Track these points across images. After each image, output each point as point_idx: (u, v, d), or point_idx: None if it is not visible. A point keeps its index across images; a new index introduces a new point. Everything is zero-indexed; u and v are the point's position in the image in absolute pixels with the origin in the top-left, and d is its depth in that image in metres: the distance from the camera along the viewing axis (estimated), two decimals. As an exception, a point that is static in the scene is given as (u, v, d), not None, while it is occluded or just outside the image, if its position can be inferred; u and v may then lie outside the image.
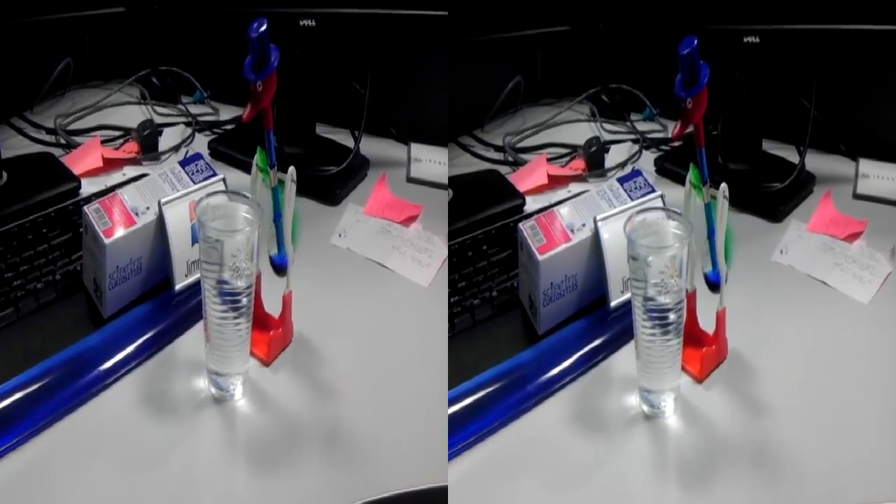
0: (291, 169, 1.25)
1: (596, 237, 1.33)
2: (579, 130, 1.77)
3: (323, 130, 1.69)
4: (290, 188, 1.25)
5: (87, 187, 1.53)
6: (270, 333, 1.29)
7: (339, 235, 1.50)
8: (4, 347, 1.27)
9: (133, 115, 1.73)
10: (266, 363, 1.28)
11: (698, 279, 1.27)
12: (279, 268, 1.29)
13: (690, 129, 1.20)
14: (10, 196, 1.48)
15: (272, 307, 1.30)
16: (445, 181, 1.58)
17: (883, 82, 1.65)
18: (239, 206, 1.20)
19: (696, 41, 1.15)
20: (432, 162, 1.63)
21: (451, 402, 1.24)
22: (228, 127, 1.73)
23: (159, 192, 1.33)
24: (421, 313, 1.37)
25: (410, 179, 1.63)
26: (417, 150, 1.63)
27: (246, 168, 1.29)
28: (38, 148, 1.64)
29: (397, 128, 1.71)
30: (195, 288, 1.33)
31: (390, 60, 1.68)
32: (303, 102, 1.63)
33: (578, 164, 1.67)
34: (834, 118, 1.66)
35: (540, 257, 1.30)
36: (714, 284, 1.27)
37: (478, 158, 1.71)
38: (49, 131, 1.68)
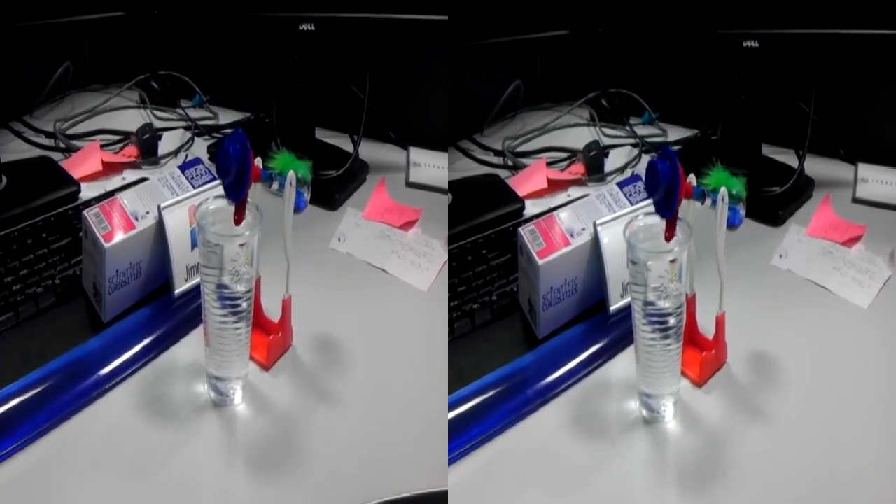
0: (291, 173, 1.24)
1: (595, 241, 1.33)
2: (579, 134, 1.77)
3: (322, 135, 1.69)
4: (290, 193, 1.25)
5: (87, 191, 1.53)
6: (270, 338, 1.29)
7: (339, 240, 1.50)
8: (4, 352, 1.26)
9: (132, 119, 1.73)
10: (265, 367, 1.28)
11: (698, 282, 1.27)
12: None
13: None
14: (10, 200, 1.48)
15: (272, 311, 1.30)
16: (445, 185, 1.58)
17: (882, 87, 1.65)
18: (239, 211, 1.20)
19: (668, 166, 1.15)
20: (431, 166, 1.63)
21: (451, 406, 1.24)
22: (228, 131, 1.73)
23: (159, 197, 1.33)
24: (420, 317, 1.37)
25: (409, 184, 1.63)
26: (416, 154, 1.63)
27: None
28: (38, 152, 1.64)
29: (396, 132, 1.71)
30: (195, 292, 1.33)
31: (389, 65, 1.68)
32: (302, 107, 1.63)
33: (578, 169, 1.67)
34: (833, 122, 1.66)
35: (539, 261, 1.30)
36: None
37: (477, 162, 1.71)
38: (48, 135, 1.68)
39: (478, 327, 1.36)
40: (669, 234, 1.18)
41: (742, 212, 1.23)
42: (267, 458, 1.19)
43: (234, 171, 1.17)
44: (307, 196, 1.26)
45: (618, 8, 1.59)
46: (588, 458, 1.20)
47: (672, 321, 1.18)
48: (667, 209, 1.16)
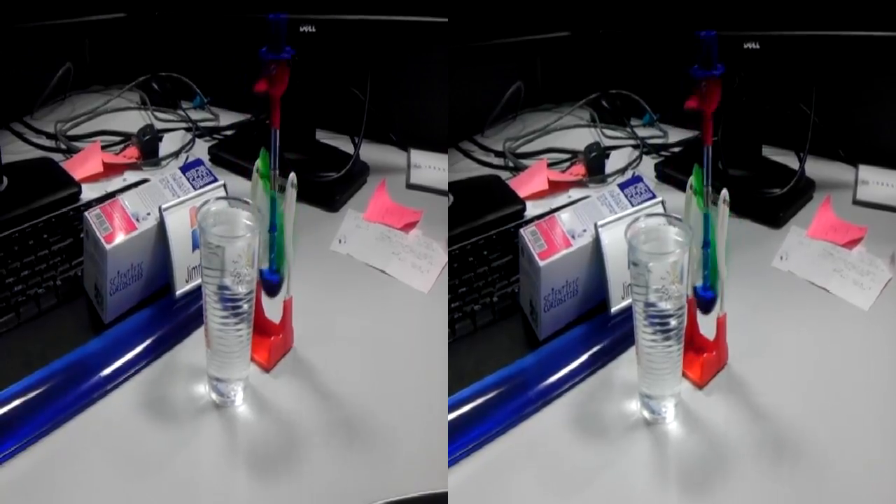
0: (292, 175, 1.25)
1: (597, 243, 1.33)
2: (579, 136, 1.77)
3: (323, 136, 1.69)
4: (291, 194, 1.25)
5: (88, 193, 1.53)
6: (271, 339, 1.29)
7: (339, 241, 1.50)
8: (5, 353, 1.27)
9: (133, 120, 1.73)
10: (266, 369, 1.28)
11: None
12: (269, 285, 1.28)
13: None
14: (11, 201, 1.48)
15: (273, 313, 1.30)
16: (445, 187, 1.58)
17: (882, 88, 1.65)
18: (240, 212, 1.20)
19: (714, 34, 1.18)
20: (432, 168, 1.63)
21: (452, 407, 1.24)
22: (229, 133, 1.73)
23: (160, 198, 1.33)
24: (421, 319, 1.37)
25: (410, 185, 1.63)
26: (417, 156, 1.64)
27: (246, 174, 1.29)
28: (39, 153, 1.64)
29: (397, 134, 1.71)
30: (196, 294, 1.33)
31: (390, 66, 1.68)
32: (303, 108, 1.63)
33: (579, 170, 1.67)
34: (834, 124, 1.66)
35: (541, 263, 1.30)
36: (704, 302, 1.26)
37: (478, 163, 1.71)
38: (49, 136, 1.68)
39: (479, 328, 1.36)
40: (695, 100, 1.21)
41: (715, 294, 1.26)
42: (268, 459, 1.19)
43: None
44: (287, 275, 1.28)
45: (618, 9, 1.59)
46: (589, 459, 1.20)
47: (673, 322, 1.18)
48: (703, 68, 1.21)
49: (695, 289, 1.25)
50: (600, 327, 1.35)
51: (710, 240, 1.24)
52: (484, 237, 1.49)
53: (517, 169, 1.69)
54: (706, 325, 1.28)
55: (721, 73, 1.21)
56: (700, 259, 1.25)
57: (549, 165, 1.67)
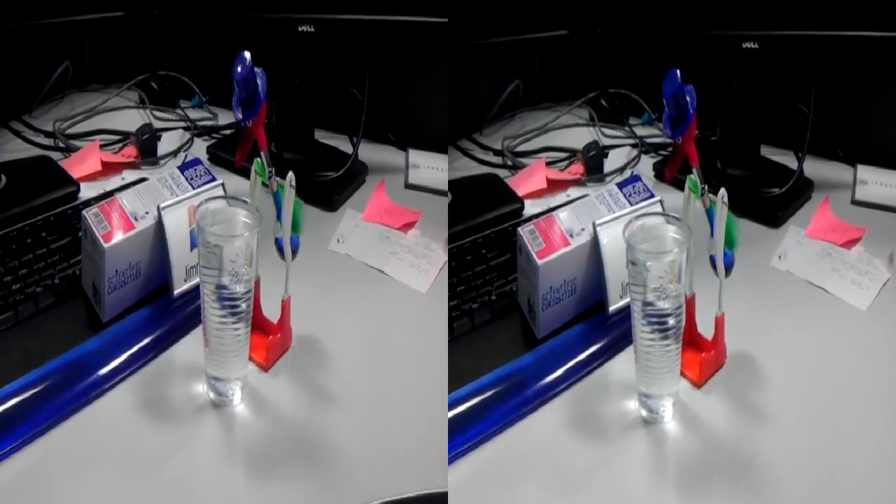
0: (290, 174, 1.25)
1: (595, 242, 1.33)
2: (578, 135, 1.77)
3: (321, 136, 1.68)
4: (289, 194, 1.25)
5: (86, 191, 1.53)
6: (269, 338, 1.29)
7: (338, 241, 1.50)
8: (3, 351, 1.26)
9: (132, 119, 1.73)
10: (265, 368, 1.28)
11: (698, 283, 1.27)
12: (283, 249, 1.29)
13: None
14: (9, 200, 1.48)
15: (271, 312, 1.30)
16: (444, 187, 1.58)
17: (881, 88, 1.65)
18: (238, 211, 1.20)
19: (678, 75, 1.16)
20: (430, 168, 1.63)
21: (451, 406, 1.24)
22: (227, 132, 1.73)
23: (158, 197, 1.33)
24: (420, 318, 1.37)
25: (409, 185, 1.63)
26: (416, 156, 1.63)
27: (245, 173, 1.29)
28: (37, 151, 1.64)
29: (396, 134, 1.71)
30: (194, 293, 1.33)
31: (389, 66, 1.68)
32: (301, 108, 1.63)
33: (577, 169, 1.67)
34: (832, 124, 1.66)
35: (539, 262, 1.30)
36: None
37: (476, 162, 1.71)
38: (48, 135, 1.68)
39: (477, 327, 1.36)
40: (671, 166, 1.18)
41: (732, 256, 1.25)
42: (266, 458, 1.19)
43: (242, 89, 1.19)
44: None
45: (617, 8, 1.59)
46: (587, 458, 1.20)
47: (671, 322, 1.18)
48: (674, 128, 1.17)
49: (711, 257, 1.25)
50: (598, 326, 1.35)
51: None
52: (482, 235, 1.49)
53: (516, 167, 1.69)
54: (704, 325, 1.28)
55: (692, 112, 1.19)
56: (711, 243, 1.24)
57: (548, 164, 1.67)
